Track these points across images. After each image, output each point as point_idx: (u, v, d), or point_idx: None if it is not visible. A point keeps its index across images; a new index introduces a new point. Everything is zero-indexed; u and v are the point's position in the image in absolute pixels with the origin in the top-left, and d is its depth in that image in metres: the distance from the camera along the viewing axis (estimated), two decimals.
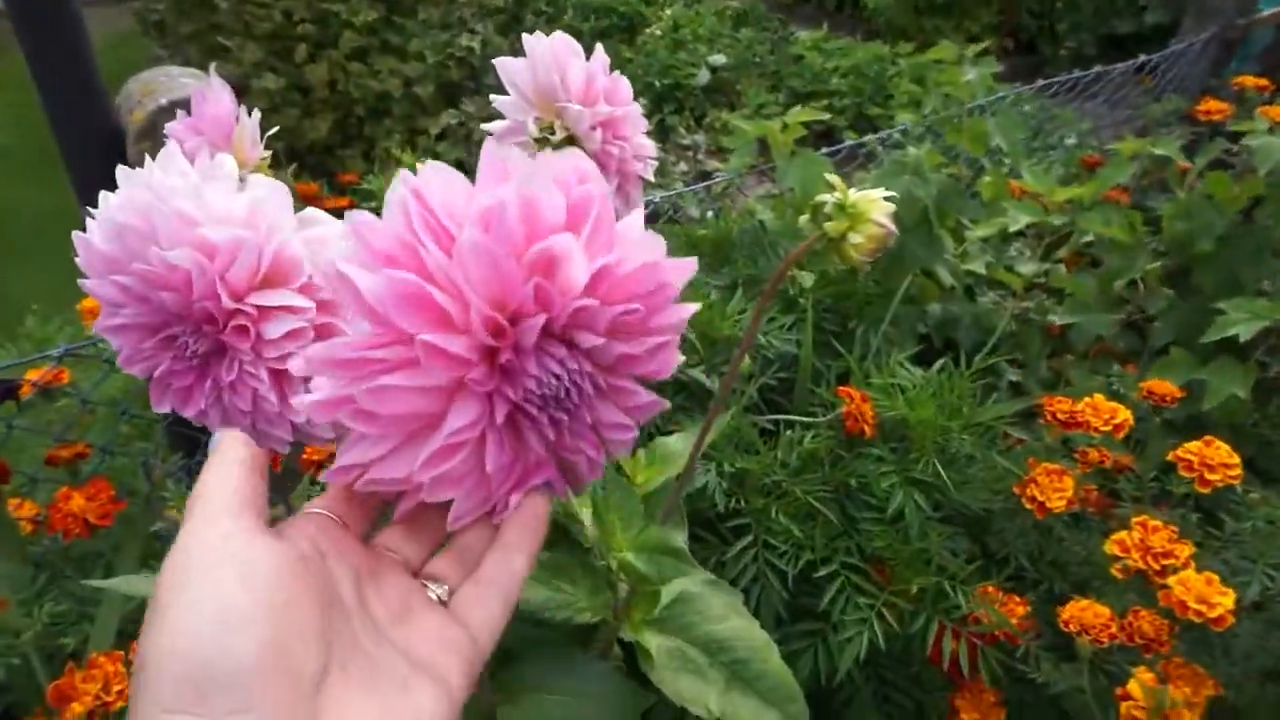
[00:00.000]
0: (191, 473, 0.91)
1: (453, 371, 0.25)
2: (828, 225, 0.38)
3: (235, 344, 0.31)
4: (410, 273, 0.24)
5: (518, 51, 0.49)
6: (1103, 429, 0.69)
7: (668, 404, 0.31)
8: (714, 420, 0.47)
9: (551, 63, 0.46)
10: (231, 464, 0.26)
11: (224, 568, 0.23)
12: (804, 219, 0.40)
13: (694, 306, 0.29)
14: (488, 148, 0.26)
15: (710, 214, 1.15)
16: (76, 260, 0.31)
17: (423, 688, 0.25)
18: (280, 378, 0.31)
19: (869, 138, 1.28)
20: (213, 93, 0.41)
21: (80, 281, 0.31)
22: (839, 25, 3.69)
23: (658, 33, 3.26)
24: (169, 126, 0.41)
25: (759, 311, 0.43)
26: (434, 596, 0.28)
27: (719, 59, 3.03)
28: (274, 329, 0.30)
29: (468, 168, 0.26)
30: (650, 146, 0.51)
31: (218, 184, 0.30)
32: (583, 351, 0.27)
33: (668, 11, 3.44)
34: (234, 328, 0.31)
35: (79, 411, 0.87)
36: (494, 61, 0.49)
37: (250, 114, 0.42)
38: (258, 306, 0.30)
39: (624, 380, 0.29)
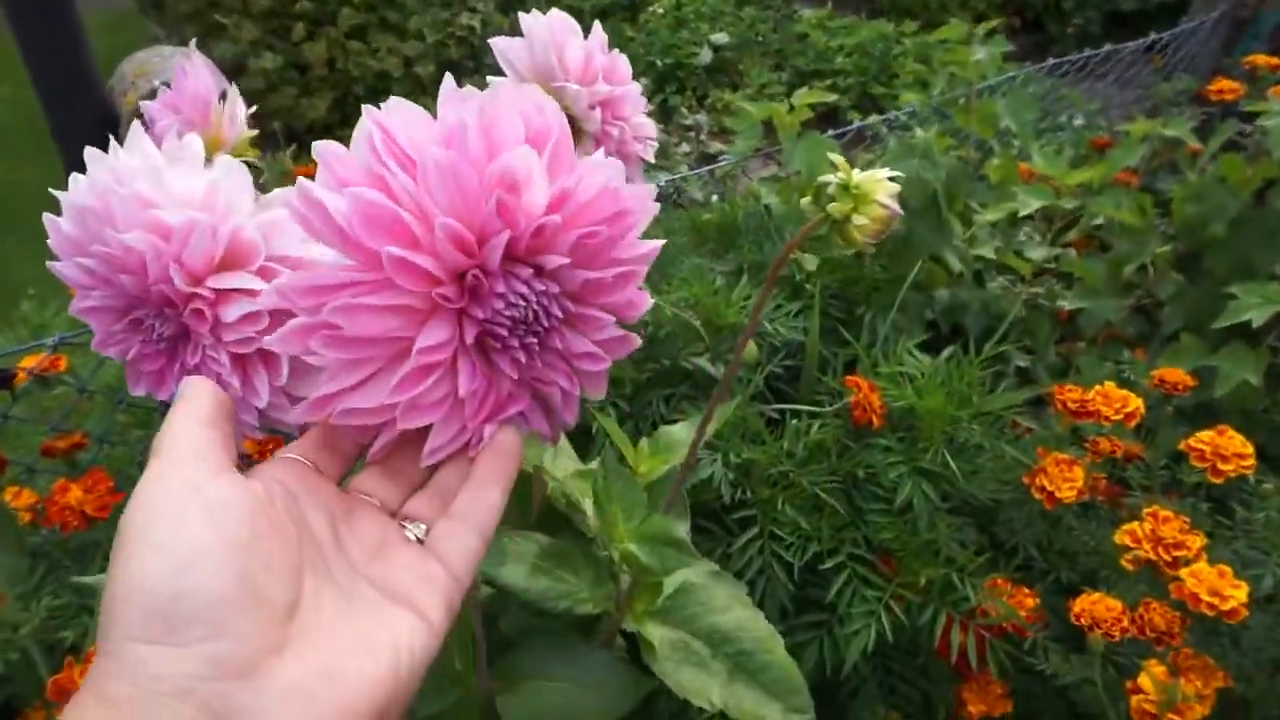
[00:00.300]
0: None
1: (421, 286, 0.25)
2: (831, 207, 0.37)
3: (195, 327, 0.30)
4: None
5: (518, 30, 0.47)
6: (1114, 418, 0.67)
7: (639, 340, 0.31)
8: (717, 408, 0.46)
9: (549, 41, 0.45)
10: (197, 408, 0.25)
11: (189, 509, 0.22)
12: (806, 201, 0.39)
13: (658, 243, 0.29)
14: (447, 83, 0.26)
15: (714, 197, 1.13)
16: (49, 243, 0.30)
17: (400, 618, 0.25)
18: (243, 362, 0.31)
19: (874, 118, 1.25)
20: (193, 69, 0.39)
21: (49, 264, 0.30)
22: (843, 3, 3.64)
23: (660, 11, 3.22)
24: (145, 105, 0.39)
25: (763, 297, 0.42)
26: (411, 536, 0.28)
27: (721, 38, 2.99)
28: (231, 312, 0.30)
29: None
30: (650, 126, 0.50)
31: (181, 165, 0.29)
32: (548, 274, 0.27)
33: None
34: (192, 311, 0.30)
35: (76, 399, 0.86)
36: (490, 41, 0.47)
37: (235, 91, 0.41)
38: (214, 290, 0.30)
39: (592, 309, 0.29)
